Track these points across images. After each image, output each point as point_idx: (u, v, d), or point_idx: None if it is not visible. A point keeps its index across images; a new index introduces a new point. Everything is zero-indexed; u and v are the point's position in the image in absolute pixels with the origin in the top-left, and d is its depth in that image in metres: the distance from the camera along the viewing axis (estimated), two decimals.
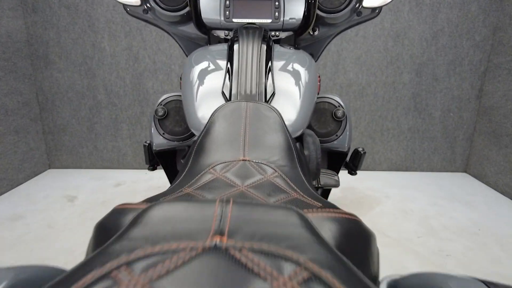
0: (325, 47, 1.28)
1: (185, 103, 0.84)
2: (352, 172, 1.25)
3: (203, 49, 1.00)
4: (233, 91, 0.78)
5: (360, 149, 1.21)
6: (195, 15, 1.09)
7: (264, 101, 0.77)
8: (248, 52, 0.83)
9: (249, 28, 0.93)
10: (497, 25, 2.30)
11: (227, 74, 0.84)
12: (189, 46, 1.27)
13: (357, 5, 1.13)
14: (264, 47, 0.88)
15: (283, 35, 1.13)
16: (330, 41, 1.27)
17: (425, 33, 2.31)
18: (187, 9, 1.12)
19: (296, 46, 1.33)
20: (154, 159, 1.22)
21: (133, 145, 2.53)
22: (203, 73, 0.85)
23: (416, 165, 2.59)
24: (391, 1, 1.18)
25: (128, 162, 2.57)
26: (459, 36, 2.31)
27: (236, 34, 0.91)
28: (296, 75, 0.87)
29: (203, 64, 0.89)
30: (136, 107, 2.45)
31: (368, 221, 1.89)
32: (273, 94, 0.80)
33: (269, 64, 0.86)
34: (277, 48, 0.97)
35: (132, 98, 2.43)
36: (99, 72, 2.37)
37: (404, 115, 2.47)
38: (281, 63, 0.89)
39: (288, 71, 0.88)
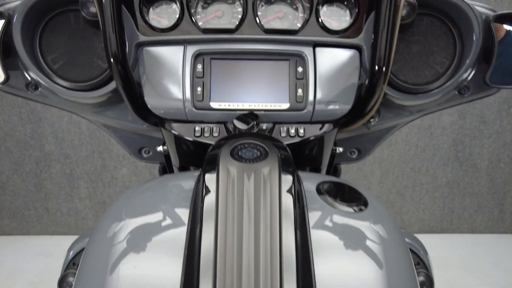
0: (383, 141, 0.74)
1: None
2: None
3: (131, 194, 0.52)
4: None
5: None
6: (129, 97, 0.58)
7: None
8: (246, 199, 0.37)
9: (246, 124, 0.55)
10: None
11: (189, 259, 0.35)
12: (132, 140, 0.73)
13: (467, 77, 0.63)
14: (288, 185, 0.39)
15: (311, 131, 0.62)
16: (394, 132, 0.73)
17: None
18: (112, 86, 0.59)
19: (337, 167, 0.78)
20: None
21: (94, 207, 1.99)
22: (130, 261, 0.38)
23: (454, 226, 2.08)
24: None
25: (90, 227, 2.01)
26: None
27: (219, 143, 0.48)
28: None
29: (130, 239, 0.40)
30: (96, 159, 1.91)
31: None
32: None
33: (296, 236, 0.36)
34: (312, 195, 0.44)
35: (90, 149, 1.88)
36: (45, 115, 1.83)
37: (441, 167, 1.97)
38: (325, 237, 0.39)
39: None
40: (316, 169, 0.70)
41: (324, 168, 0.70)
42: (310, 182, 0.46)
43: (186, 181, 0.47)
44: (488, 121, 1.90)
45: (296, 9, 0.61)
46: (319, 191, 0.43)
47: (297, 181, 0.41)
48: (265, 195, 0.36)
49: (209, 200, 0.37)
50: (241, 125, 0.55)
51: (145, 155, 0.75)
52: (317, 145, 0.64)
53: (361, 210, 0.41)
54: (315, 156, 0.66)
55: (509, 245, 2.03)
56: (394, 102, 0.63)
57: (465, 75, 0.61)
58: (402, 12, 0.55)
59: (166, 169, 0.76)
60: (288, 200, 0.37)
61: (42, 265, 1.77)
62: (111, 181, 1.95)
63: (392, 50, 0.54)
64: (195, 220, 0.37)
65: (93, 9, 0.55)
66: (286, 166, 0.40)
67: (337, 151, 0.72)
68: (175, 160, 0.66)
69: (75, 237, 2.02)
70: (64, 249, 1.74)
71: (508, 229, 2.11)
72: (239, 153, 0.42)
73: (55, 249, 1.90)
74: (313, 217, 0.39)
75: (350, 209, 0.40)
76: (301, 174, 0.49)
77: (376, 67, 0.54)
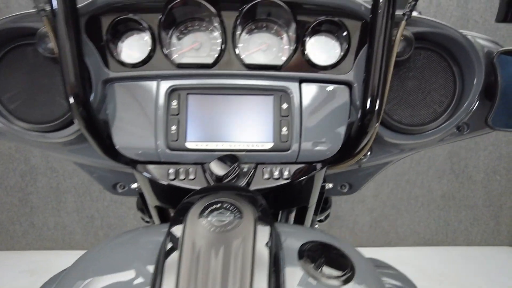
0: (376, 175, 0.69)
1: None
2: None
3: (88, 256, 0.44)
4: None
5: None
6: (95, 138, 0.52)
7: None
8: (211, 281, 0.32)
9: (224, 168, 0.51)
10: None
11: None
12: (106, 177, 0.69)
13: (468, 115, 0.57)
14: (262, 261, 0.34)
15: (297, 173, 0.56)
16: (388, 167, 0.68)
17: None
18: (74, 128, 0.53)
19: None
20: None
21: (82, 221, 1.93)
22: None
23: (449, 239, 2.05)
24: None
25: (77, 241, 1.95)
26: None
27: (187, 201, 0.42)
28: None
29: None
30: (84, 173, 1.82)
31: None
32: None
33: None
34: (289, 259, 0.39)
35: None
36: None
37: (437, 179, 1.94)
38: None
39: None
40: (304, 208, 0.65)
41: (313, 205, 0.66)
42: (292, 239, 0.42)
43: (152, 238, 0.42)
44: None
45: (281, 39, 0.56)
46: (301, 255, 0.38)
47: (274, 253, 0.36)
48: (235, 274, 0.32)
49: (171, 274, 0.32)
50: (218, 170, 0.50)
51: (120, 190, 0.69)
52: (305, 184, 0.59)
53: (347, 281, 0.36)
54: (303, 195, 0.61)
55: (505, 257, 2.00)
56: (385, 140, 0.58)
57: (465, 114, 0.55)
58: (398, 47, 0.51)
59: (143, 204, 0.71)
60: (261, 281, 0.32)
61: (27, 284, 1.71)
62: (99, 195, 1.89)
63: (386, 88, 0.49)
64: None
65: (51, 44, 0.49)
66: (263, 234, 0.36)
67: (327, 187, 0.67)
68: (150, 200, 0.61)
69: (62, 252, 1.97)
70: (51, 265, 1.69)
71: (504, 242, 2.07)
72: (210, 216, 0.37)
73: (40, 265, 1.84)
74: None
75: (334, 282, 0.36)
76: (283, 228, 0.44)
77: (368, 106, 0.49)
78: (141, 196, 0.65)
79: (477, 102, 0.56)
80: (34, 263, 1.86)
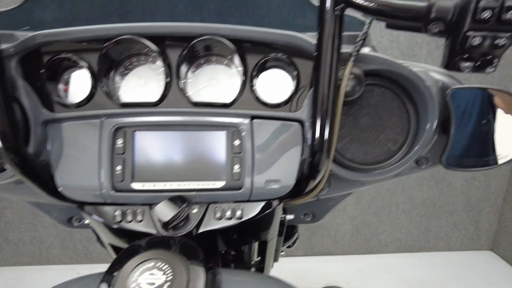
0: (339, 204, 0.68)
1: None
2: None
3: None
4: None
5: None
6: (36, 181, 0.49)
7: None
8: None
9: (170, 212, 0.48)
10: None
11: None
12: (59, 212, 0.66)
13: (424, 152, 0.56)
14: None
15: (250, 211, 0.54)
16: (350, 196, 0.67)
17: None
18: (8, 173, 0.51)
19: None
20: None
21: (59, 235, 1.88)
22: None
23: (431, 245, 2.07)
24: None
25: (55, 256, 1.91)
26: None
27: (119, 259, 0.41)
28: None
29: None
30: None
31: None
32: None
33: None
34: None
35: None
36: None
37: (417, 187, 1.95)
38: None
39: None
40: (265, 242, 0.64)
41: (273, 238, 0.64)
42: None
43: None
44: None
45: (230, 76, 0.54)
46: None
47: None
48: None
49: None
50: (164, 215, 0.47)
51: (75, 224, 0.67)
52: (262, 221, 0.57)
53: None
54: (261, 231, 0.60)
55: (485, 261, 2.03)
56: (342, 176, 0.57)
57: (421, 151, 0.54)
58: (347, 87, 0.49)
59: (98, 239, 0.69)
60: None
61: None
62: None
63: (335, 127, 0.48)
64: None
65: None
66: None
67: (288, 218, 0.65)
68: (103, 238, 0.59)
69: (40, 267, 1.89)
70: (28, 281, 1.63)
71: (483, 246, 2.10)
72: (140, 277, 0.35)
73: (18, 281, 1.79)
74: None
75: None
76: (227, 277, 0.42)
77: (317, 146, 0.47)
78: (94, 231, 0.63)
79: (436, 137, 0.55)
80: (11, 280, 1.81)
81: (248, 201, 0.54)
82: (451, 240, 2.07)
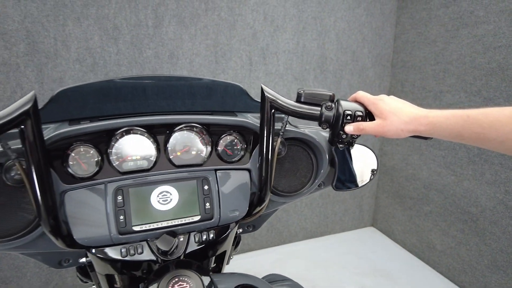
0: (271, 215, 0.95)
1: None
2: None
3: None
4: None
5: None
6: (57, 236, 0.62)
7: None
8: None
9: (167, 245, 0.67)
10: (390, 89, 2.35)
11: None
12: (51, 257, 0.77)
13: (322, 179, 0.87)
14: None
15: (219, 233, 0.76)
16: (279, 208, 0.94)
17: None
18: (38, 230, 0.63)
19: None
20: None
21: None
22: None
23: (329, 229, 2.50)
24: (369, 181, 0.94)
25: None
26: None
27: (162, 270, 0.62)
28: None
29: None
30: None
31: None
32: None
33: None
34: None
35: None
36: None
37: None
38: None
39: None
40: (225, 251, 0.84)
41: (229, 248, 0.85)
42: (227, 285, 0.61)
43: None
44: None
45: (201, 142, 0.74)
46: None
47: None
48: None
49: None
50: (163, 246, 0.65)
51: (64, 264, 0.78)
52: (225, 237, 0.78)
53: None
54: (223, 244, 0.79)
55: (368, 235, 2.55)
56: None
57: (321, 180, 0.85)
58: (278, 149, 0.75)
59: (84, 270, 0.81)
60: None
61: None
62: None
63: (272, 174, 0.73)
64: None
65: (18, 176, 0.57)
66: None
67: (238, 232, 0.89)
68: (101, 270, 0.71)
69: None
70: None
71: (366, 223, 2.63)
72: (175, 285, 0.55)
73: None
74: None
75: None
76: (218, 278, 0.63)
77: (262, 185, 0.73)
78: (88, 266, 0.75)
79: (328, 170, 0.86)
80: None
81: (217, 226, 0.74)
82: (343, 223, 2.54)
